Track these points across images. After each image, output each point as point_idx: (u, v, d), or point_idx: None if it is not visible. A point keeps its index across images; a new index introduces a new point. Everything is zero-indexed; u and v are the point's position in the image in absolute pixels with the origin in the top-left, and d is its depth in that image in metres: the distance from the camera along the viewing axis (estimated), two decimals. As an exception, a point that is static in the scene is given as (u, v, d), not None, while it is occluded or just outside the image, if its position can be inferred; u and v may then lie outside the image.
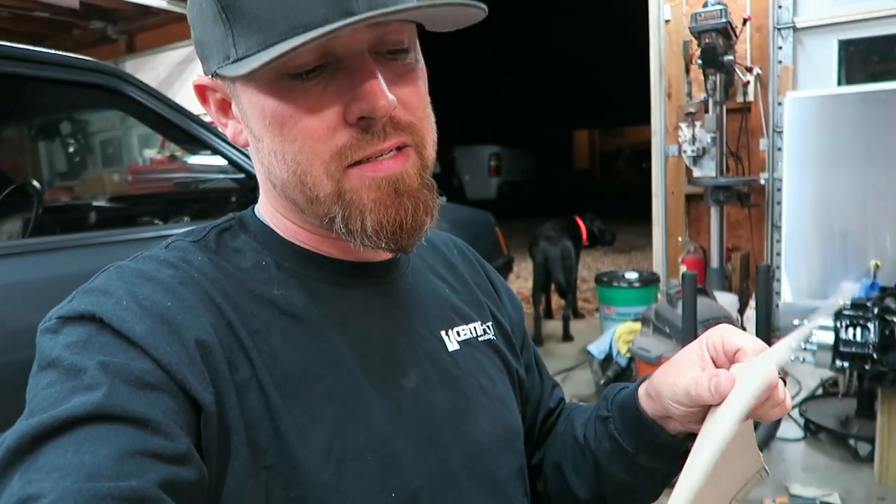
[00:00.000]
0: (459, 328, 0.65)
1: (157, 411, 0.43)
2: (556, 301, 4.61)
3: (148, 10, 5.61)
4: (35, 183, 2.09)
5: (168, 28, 5.89)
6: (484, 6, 0.49)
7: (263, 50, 0.47)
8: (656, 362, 2.56)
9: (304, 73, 0.49)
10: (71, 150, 3.85)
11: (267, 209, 0.60)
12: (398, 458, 0.54)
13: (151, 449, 0.42)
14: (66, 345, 0.46)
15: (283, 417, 0.50)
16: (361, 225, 0.52)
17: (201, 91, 0.57)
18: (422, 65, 0.55)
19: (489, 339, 0.68)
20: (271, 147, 0.52)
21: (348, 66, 0.49)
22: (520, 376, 0.71)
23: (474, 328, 0.67)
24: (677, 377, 0.55)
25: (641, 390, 0.61)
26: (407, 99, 0.52)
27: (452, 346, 0.63)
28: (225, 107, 0.57)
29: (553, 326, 4.26)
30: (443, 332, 0.64)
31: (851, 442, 2.30)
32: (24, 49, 1.52)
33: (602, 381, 2.93)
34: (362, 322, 0.58)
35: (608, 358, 2.95)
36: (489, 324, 0.69)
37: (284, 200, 0.56)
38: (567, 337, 4.04)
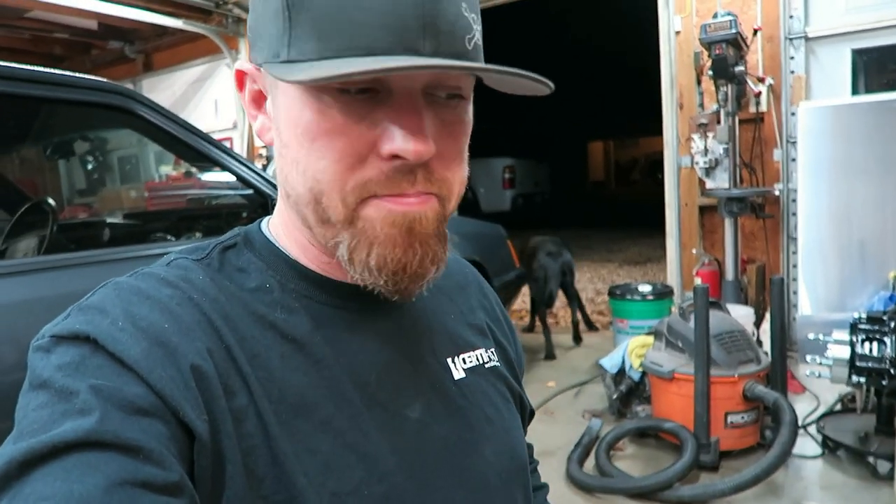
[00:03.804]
0: (466, 355, 0.64)
1: (150, 438, 0.42)
2: (564, 310, 4.62)
3: (164, 30, 5.72)
4: (50, 201, 2.13)
5: (184, 47, 6.00)
6: (551, 84, 0.47)
7: (316, 61, 0.46)
8: (669, 377, 2.53)
9: (351, 90, 0.47)
10: (88, 168, 3.92)
11: (278, 223, 0.59)
12: (398, 494, 0.52)
13: (143, 478, 0.40)
14: (58, 366, 0.44)
15: (282, 445, 0.48)
16: (366, 256, 0.50)
17: (241, 77, 0.56)
18: (470, 118, 0.54)
19: (494, 366, 0.66)
20: (296, 157, 0.50)
21: (397, 99, 0.48)
22: (523, 402, 0.70)
23: (480, 355, 0.65)
24: None
25: None
26: (447, 152, 0.51)
27: (459, 374, 0.62)
28: (259, 99, 0.56)
29: (561, 339, 4.24)
30: (449, 360, 0.62)
31: (870, 459, 2.24)
32: (37, 71, 1.55)
33: (615, 396, 2.90)
34: (366, 349, 0.56)
35: (621, 372, 2.92)
36: (492, 349, 0.67)
37: (295, 214, 0.55)
38: (577, 339, 4.12)
